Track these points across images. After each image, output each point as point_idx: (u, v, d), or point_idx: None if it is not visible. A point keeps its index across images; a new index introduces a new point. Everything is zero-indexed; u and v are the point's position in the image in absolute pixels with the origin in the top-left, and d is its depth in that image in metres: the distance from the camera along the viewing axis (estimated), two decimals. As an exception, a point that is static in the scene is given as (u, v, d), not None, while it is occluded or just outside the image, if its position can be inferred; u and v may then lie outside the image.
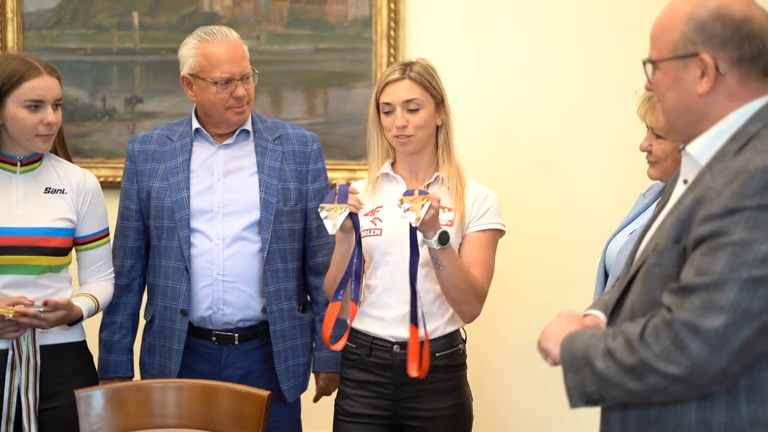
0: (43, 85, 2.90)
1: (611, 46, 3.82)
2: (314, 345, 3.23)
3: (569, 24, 3.85)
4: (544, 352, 2.08)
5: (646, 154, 2.85)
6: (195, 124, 3.16)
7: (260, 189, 3.11)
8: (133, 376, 3.22)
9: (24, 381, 2.87)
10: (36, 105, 2.90)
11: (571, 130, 3.87)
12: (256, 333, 3.13)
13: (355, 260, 2.89)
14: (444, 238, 2.79)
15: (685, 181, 2.01)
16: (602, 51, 3.83)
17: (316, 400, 3.27)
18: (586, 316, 2.16)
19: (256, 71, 3.11)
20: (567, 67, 3.85)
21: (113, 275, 3.14)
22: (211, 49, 3.08)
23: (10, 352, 2.86)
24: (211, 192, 3.12)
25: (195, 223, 3.10)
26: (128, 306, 3.21)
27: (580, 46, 3.84)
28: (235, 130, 3.15)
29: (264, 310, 3.12)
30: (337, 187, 2.83)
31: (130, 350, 3.21)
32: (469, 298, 2.93)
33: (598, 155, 3.86)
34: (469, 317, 2.98)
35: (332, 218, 2.79)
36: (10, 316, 2.78)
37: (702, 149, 1.97)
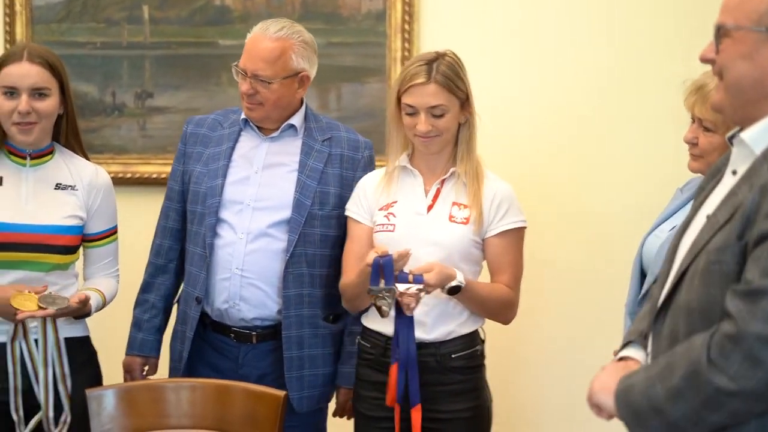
0: (16, 72, 2.87)
1: (642, 38, 3.76)
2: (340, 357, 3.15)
3: (595, 15, 3.79)
4: (597, 407, 1.98)
5: (689, 146, 2.80)
6: (243, 114, 3.12)
7: (296, 188, 3.05)
8: (158, 357, 3.20)
9: (26, 351, 2.83)
10: (11, 92, 2.87)
11: (599, 124, 3.81)
12: (275, 334, 3.07)
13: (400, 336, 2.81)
14: (453, 291, 2.79)
15: (734, 172, 1.93)
16: (632, 44, 3.77)
17: (335, 414, 3.19)
18: (625, 359, 2.08)
19: (272, 82, 2.99)
20: (593, 61, 3.79)
21: (118, 273, 3.12)
22: (248, 37, 3.06)
23: (13, 327, 2.82)
24: (246, 184, 3.07)
25: (224, 213, 3.05)
26: (162, 287, 3.19)
27: (608, 40, 3.78)
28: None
29: (281, 312, 3.06)
30: (382, 263, 2.70)
31: (159, 331, 3.20)
32: (499, 314, 2.98)
33: (627, 149, 3.80)
34: (506, 323, 2.99)
35: (381, 305, 2.71)
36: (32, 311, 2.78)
37: (758, 137, 1.88)
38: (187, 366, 3.09)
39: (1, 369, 2.84)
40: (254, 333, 3.07)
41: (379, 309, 2.72)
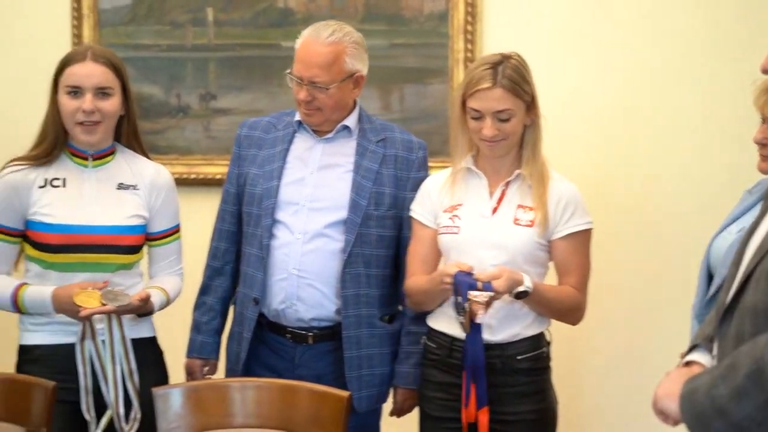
0: (80, 72, 2.89)
1: (706, 38, 3.72)
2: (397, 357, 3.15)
3: (660, 15, 3.75)
4: (662, 414, 1.97)
5: (758, 147, 2.77)
6: (297, 116, 3.13)
7: (352, 189, 3.05)
8: (217, 359, 3.22)
9: (94, 351, 2.86)
10: (75, 91, 2.89)
11: (663, 126, 3.77)
12: (332, 335, 3.08)
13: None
14: (521, 296, 2.79)
15: None
16: (696, 44, 3.73)
17: (391, 414, 3.18)
18: (689, 364, 2.06)
19: (329, 88, 3.00)
20: (658, 61, 3.75)
21: (182, 271, 3.14)
22: (299, 43, 3.05)
23: (81, 327, 2.85)
24: (301, 185, 3.08)
25: (280, 215, 3.06)
26: (219, 289, 3.21)
27: (675, 40, 3.74)
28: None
29: (339, 312, 3.07)
30: (464, 279, 2.72)
31: (218, 333, 3.22)
32: (567, 316, 2.97)
33: (693, 151, 3.76)
34: (573, 324, 2.98)
35: (464, 321, 2.74)
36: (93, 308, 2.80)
37: None
38: (243, 366, 3.11)
39: (71, 370, 2.87)
40: (311, 333, 3.08)
41: (463, 325, 2.75)
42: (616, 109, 3.79)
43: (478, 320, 2.73)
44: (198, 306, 3.23)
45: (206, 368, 3.21)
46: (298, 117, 3.13)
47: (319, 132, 3.12)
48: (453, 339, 2.90)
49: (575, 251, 2.92)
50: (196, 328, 3.22)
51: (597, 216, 2.99)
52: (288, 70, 3.05)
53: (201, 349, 3.20)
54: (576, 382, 3.80)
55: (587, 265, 2.95)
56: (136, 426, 2.88)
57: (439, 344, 2.95)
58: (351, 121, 3.11)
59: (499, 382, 2.85)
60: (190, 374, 3.21)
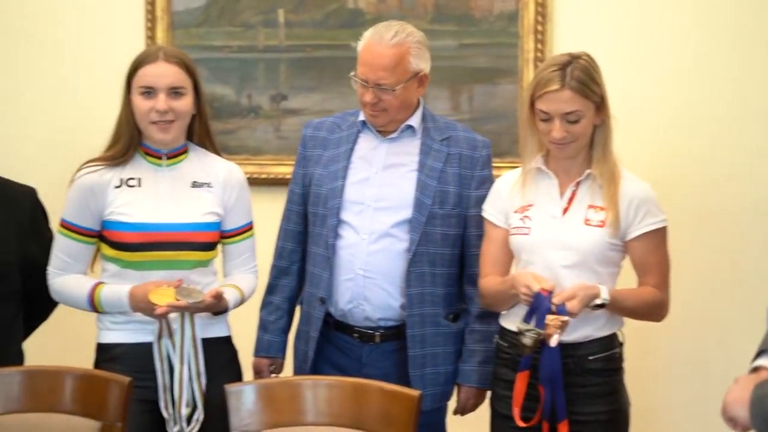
0: (153, 72, 2.92)
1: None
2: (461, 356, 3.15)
3: (730, 15, 3.70)
4: (732, 421, 1.96)
5: None
6: (361, 116, 3.15)
7: (416, 188, 3.06)
8: (284, 358, 3.25)
9: (171, 348, 2.89)
10: (148, 92, 2.92)
11: (740, 126, 3.71)
12: (398, 334, 3.09)
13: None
14: (598, 308, 2.78)
15: None
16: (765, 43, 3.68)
17: (455, 412, 3.19)
18: (758, 369, 2.05)
19: (395, 89, 3.00)
20: (728, 61, 3.70)
21: (257, 268, 3.16)
22: (361, 45, 3.07)
23: (158, 325, 2.88)
24: (366, 184, 3.10)
25: (345, 215, 3.08)
26: (286, 288, 3.24)
27: (744, 40, 3.69)
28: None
29: (404, 308, 3.07)
30: (543, 303, 2.72)
31: (284, 332, 3.25)
32: (650, 315, 2.96)
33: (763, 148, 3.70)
34: (658, 321, 2.97)
35: (525, 342, 2.75)
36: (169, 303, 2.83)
37: None
38: (312, 365, 3.14)
39: (149, 368, 2.90)
40: (378, 333, 3.10)
41: (522, 346, 2.74)
42: (690, 108, 3.74)
43: (551, 344, 2.72)
44: (265, 305, 3.26)
45: (273, 367, 3.24)
46: (362, 117, 3.14)
47: (383, 132, 3.13)
48: None
49: (652, 250, 2.90)
50: (263, 327, 3.25)
51: (670, 216, 2.96)
52: (352, 73, 3.07)
53: (268, 348, 3.23)
54: (649, 384, 3.76)
55: (666, 262, 2.94)
56: (197, 427, 2.90)
57: (511, 343, 2.94)
58: (415, 120, 3.13)
59: (572, 382, 2.84)
60: (258, 373, 3.23)
